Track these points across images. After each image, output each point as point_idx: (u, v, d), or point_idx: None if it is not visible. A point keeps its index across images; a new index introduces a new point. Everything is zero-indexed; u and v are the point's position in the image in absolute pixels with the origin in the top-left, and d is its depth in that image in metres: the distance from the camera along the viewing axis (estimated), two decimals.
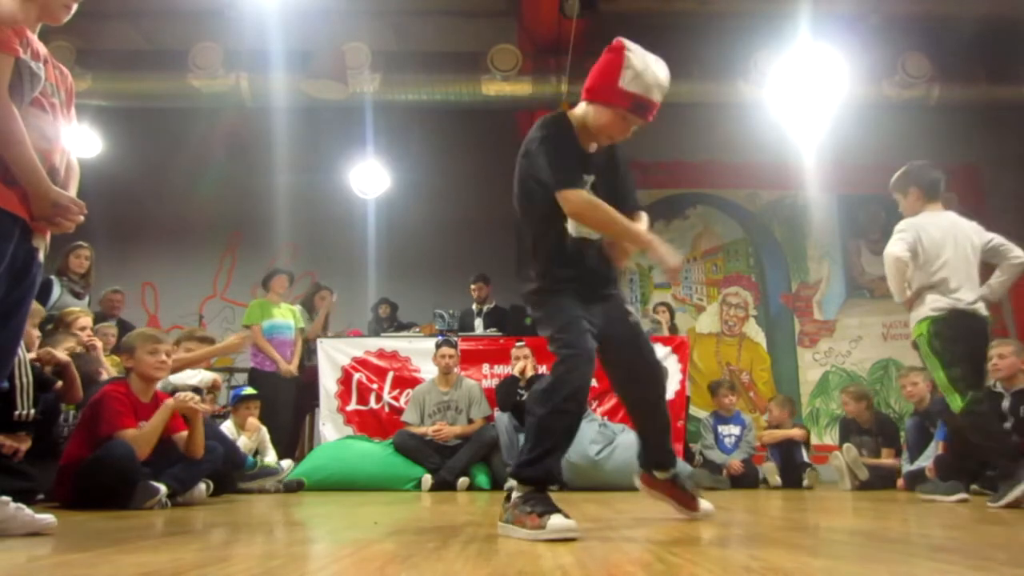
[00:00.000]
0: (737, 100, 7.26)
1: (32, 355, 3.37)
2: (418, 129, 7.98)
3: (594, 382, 2.18)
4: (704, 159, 8.20)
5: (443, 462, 4.94)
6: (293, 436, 5.94)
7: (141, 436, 3.10)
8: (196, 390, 3.95)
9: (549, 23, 6.69)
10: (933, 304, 3.49)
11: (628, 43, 2.10)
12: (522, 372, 5.25)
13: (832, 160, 7.93)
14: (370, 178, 7.78)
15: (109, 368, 4.23)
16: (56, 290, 4.96)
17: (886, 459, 5.27)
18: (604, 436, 4.87)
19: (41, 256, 2.09)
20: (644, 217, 2.31)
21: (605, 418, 5.31)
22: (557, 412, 2.01)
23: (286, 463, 4.91)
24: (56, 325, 4.26)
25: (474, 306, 6.71)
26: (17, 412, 3.11)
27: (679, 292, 8.03)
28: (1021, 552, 1.79)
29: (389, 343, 5.84)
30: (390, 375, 5.69)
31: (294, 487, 4.60)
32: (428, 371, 5.56)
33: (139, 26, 7.50)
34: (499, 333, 6.07)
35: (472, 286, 6.71)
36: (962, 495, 3.53)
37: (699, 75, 7.06)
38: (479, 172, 7.52)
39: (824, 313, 7.99)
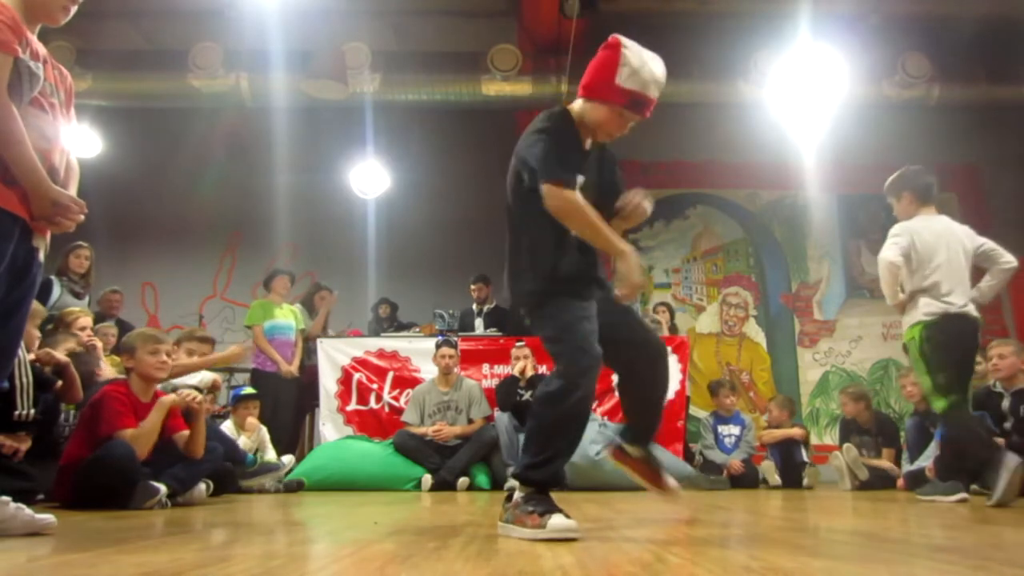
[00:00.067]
0: (737, 100, 7.27)
1: (32, 356, 3.37)
2: (418, 129, 7.98)
3: None
4: (704, 159, 8.19)
5: (443, 462, 4.94)
6: (293, 436, 5.95)
7: (140, 434, 3.10)
8: (196, 390, 3.95)
9: (549, 23, 6.69)
10: (926, 309, 3.55)
11: (624, 40, 2.10)
12: (522, 372, 5.25)
13: (832, 160, 7.92)
14: (370, 178, 7.78)
15: (108, 368, 4.23)
16: (56, 290, 4.97)
17: (885, 461, 5.27)
18: (604, 436, 4.86)
19: (41, 256, 2.09)
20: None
21: (605, 418, 5.32)
22: (566, 417, 2.00)
23: (287, 458, 4.93)
24: (56, 325, 4.26)
25: (474, 306, 6.71)
26: (17, 412, 3.11)
27: (679, 292, 8.03)
28: (1021, 552, 1.79)
29: (389, 343, 5.84)
30: (390, 375, 5.69)
31: (294, 487, 4.61)
32: (428, 371, 5.57)
33: (139, 26, 7.50)
34: (499, 333, 6.07)
35: (472, 286, 6.71)
36: (962, 495, 3.54)
37: (699, 75, 7.06)
38: (479, 172, 7.50)
39: (824, 313, 7.99)
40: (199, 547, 1.83)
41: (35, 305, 2.78)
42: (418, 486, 4.84)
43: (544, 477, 2.01)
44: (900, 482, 4.94)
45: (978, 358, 4.06)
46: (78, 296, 5.09)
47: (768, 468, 5.55)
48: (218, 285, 8.16)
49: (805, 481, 5.45)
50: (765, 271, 8.12)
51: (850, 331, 7.91)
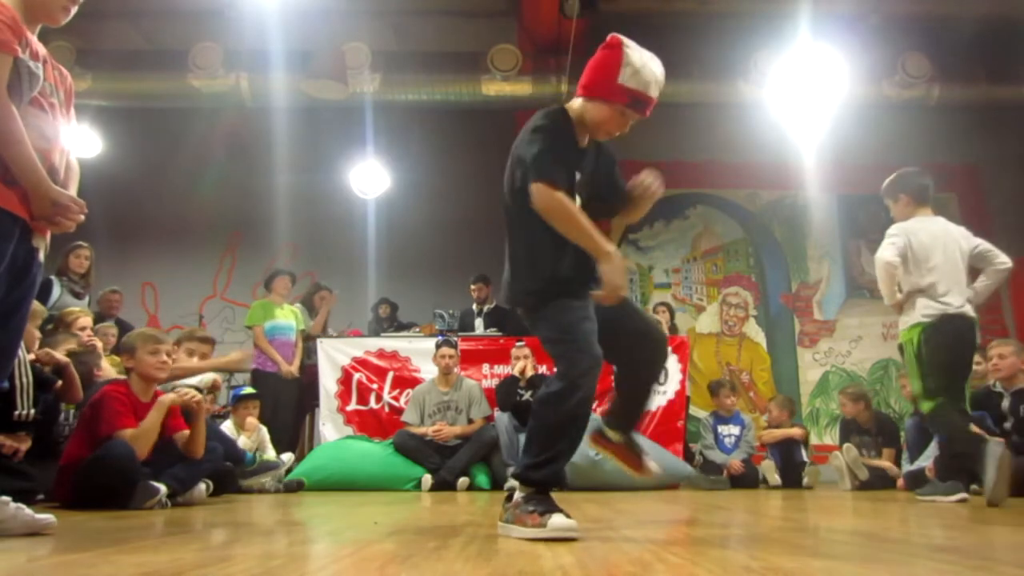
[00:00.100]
0: (737, 100, 7.27)
1: (32, 356, 3.37)
2: (418, 129, 7.98)
3: None
4: (704, 159, 8.19)
5: (443, 462, 4.94)
6: (293, 436, 5.95)
7: (140, 434, 3.10)
8: (196, 390, 3.95)
9: (549, 23, 6.69)
10: (924, 310, 3.58)
11: (625, 40, 2.10)
12: (522, 372, 5.25)
13: (832, 160, 7.92)
14: (370, 178, 7.78)
15: (108, 368, 4.23)
16: (56, 290, 4.97)
17: (885, 461, 5.27)
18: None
19: (41, 256, 2.09)
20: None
21: None
22: (567, 418, 2.00)
23: (287, 456, 4.93)
24: (56, 325, 4.26)
25: (474, 306, 6.71)
26: (17, 412, 3.11)
27: (679, 292, 8.03)
28: (1021, 552, 1.79)
29: (389, 343, 5.85)
30: (390, 375, 5.69)
31: (294, 487, 4.61)
32: (428, 371, 5.57)
33: (139, 26, 7.50)
34: (499, 333, 6.07)
35: (472, 286, 6.71)
36: (962, 495, 3.54)
37: (699, 75, 7.07)
38: (479, 172, 7.49)
39: (824, 313, 7.99)
40: (199, 547, 1.83)
41: (35, 305, 2.79)
42: (418, 486, 4.84)
43: (545, 477, 2.01)
44: (900, 482, 4.94)
45: (978, 358, 4.08)
46: (78, 296, 5.09)
47: (768, 468, 5.55)
48: (218, 285, 8.16)
49: (805, 481, 5.45)
50: (765, 271, 8.12)
51: (850, 331, 7.91)
